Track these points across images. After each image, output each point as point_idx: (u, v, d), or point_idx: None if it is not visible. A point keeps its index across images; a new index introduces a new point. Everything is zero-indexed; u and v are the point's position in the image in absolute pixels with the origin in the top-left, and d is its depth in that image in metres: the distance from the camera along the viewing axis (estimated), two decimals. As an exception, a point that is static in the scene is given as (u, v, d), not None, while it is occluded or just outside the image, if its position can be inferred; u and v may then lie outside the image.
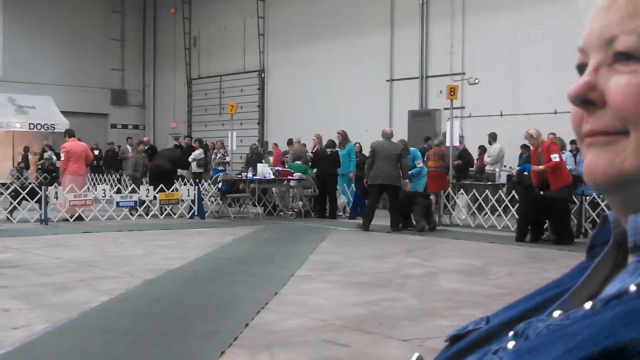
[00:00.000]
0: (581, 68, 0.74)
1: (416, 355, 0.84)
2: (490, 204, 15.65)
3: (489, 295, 8.09)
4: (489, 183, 17.05)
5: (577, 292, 0.74)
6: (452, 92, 16.50)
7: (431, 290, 8.45)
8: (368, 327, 6.40)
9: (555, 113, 18.76)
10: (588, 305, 0.67)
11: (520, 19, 20.88)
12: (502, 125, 20.19)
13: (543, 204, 13.07)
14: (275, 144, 24.89)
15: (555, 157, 13.02)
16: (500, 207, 15.42)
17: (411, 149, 16.62)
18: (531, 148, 13.92)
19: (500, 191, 15.67)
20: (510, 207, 15.12)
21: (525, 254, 11.89)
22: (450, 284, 8.88)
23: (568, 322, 0.66)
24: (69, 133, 17.56)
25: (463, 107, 21.31)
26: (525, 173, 14.99)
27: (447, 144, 17.16)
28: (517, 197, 14.78)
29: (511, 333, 0.73)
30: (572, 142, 17.23)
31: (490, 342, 0.76)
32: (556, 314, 0.72)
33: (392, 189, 14.91)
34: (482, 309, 7.20)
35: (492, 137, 18.89)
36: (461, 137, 19.45)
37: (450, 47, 22.68)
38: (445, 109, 20.16)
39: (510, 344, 0.70)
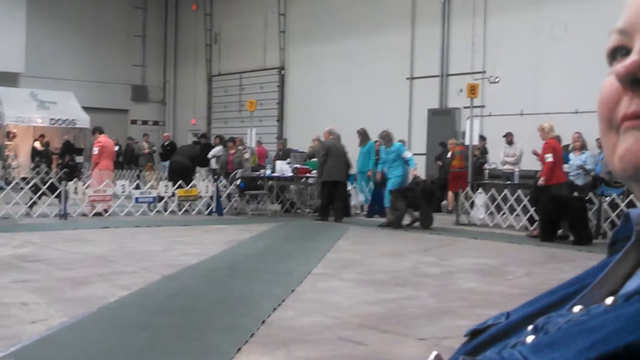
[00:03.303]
0: (615, 52, 0.72)
1: (434, 354, 0.83)
2: (508, 204, 15.58)
3: (507, 295, 8.05)
4: (508, 182, 16.96)
5: (597, 287, 0.73)
6: (472, 90, 16.43)
7: (448, 290, 8.42)
8: (384, 325, 6.39)
9: (577, 112, 18.65)
10: (609, 300, 0.66)
11: (543, 17, 20.76)
12: (522, 125, 20.08)
13: (560, 203, 13.17)
14: (259, 141, 24.79)
15: (548, 157, 13.48)
16: (519, 206, 15.33)
17: (396, 144, 16.37)
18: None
19: (519, 190, 15.57)
20: (529, 207, 15.05)
21: (543, 254, 11.83)
22: (467, 283, 8.85)
23: (589, 317, 0.66)
24: (99, 130, 17.71)
25: (483, 106, 21.20)
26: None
27: (467, 142, 17.11)
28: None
29: (530, 327, 0.72)
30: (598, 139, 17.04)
31: (509, 336, 0.76)
32: (576, 309, 0.71)
33: (343, 185, 16.56)
34: (499, 308, 7.11)
35: (509, 137, 18.74)
36: (482, 136, 19.39)
37: (471, 45, 22.58)
38: (465, 107, 20.09)
39: (530, 338, 0.70)
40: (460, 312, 7.07)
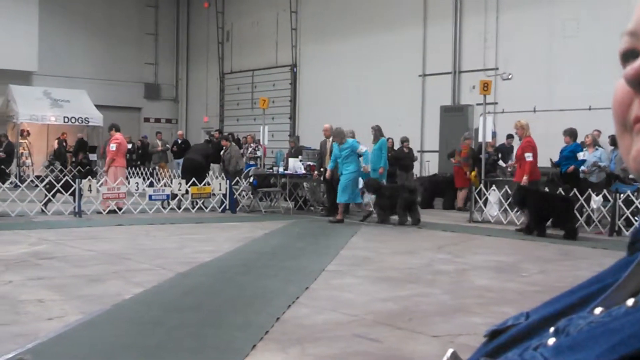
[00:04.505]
0: (627, 54, 0.72)
1: (450, 351, 0.84)
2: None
3: (521, 292, 8.04)
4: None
5: (619, 289, 0.73)
6: (485, 87, 16.37)
7: (462, 287, 8.41)
8: (399, 322, 6.39)
9: (590, 109, 18.56)
10: (630, 302, 0.67)
11: (555, 14, 20.66)
12: (535, 121, 19.97)
13: (547, 201, 13.69)
14: (250, 137, 24.83)
15: (529, 157, 14.08)
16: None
17: (349, 140, 16.29)
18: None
19: (546, 188, 15.50)
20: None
21: (558, 251, 11.79)
22: (481, 280, 8.84)
23: (610, 319, 0.66)
24: (116, 127, 17.80)
25: (496, 103, 21.13)
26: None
27: (480, 139, 17.05)
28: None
29: (552, 329, 0.73)
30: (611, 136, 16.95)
31: (530, 338, 0.76)
32: (598, 310, 0.72)
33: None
34: (513, 306, 7.16)
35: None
36: (494, 133, 19.31)
37: (483, 42, 22.51)
38: (478, 104, 20.02)
39: (551, 341, 0.70)
40: (475, 309, 7.07)
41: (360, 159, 16.15)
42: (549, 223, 13.80)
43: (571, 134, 15.76)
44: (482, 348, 0.83)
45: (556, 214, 13.56)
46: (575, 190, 14.60)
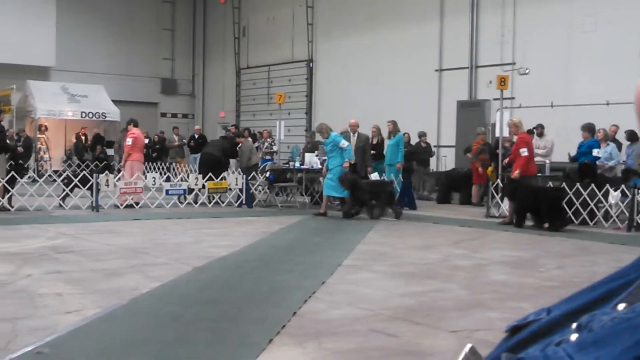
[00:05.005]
0: None
1: (469, 346, 0.84)
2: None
3: (538, 287, 8.00)
4: (539, 175, 16.81)
5: None
6: (502, 82, 16.30)
7: (479, 282, 8.39)
8: (416, 317, 6.38)
9: (608, 104, 18.43)
10: None
11: (573, 9, 20.53)
12: (552, 116, 19.90)
13: (537, 194, 13.98)
14: (265, 132, 24.92)
15: (524, 152, 14.33)
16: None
17: (332, 134, 16.35)
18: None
19: (550, 183, 15.46)
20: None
21: (575, 246, 11.74)
22: (498, 275, 8.81)
23: (634, 315, 0.66)
24: (134, 122, 17.87)
25: (513, 98, 21.04)
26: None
27: (497, 134, 16.98)
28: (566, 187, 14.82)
29: (574, 325, 0.72)
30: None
31: (552, 334, 0.76)
32: (621, 306, 0.71)
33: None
34: (531, 301, 7.13)
35: (539, 129, 18.57)
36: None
37: (500, 36, 22.40)
38: (495, 99, 19.93)
39: (574, 336, 0.70)
40: (492, 304, 7.05)
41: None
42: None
43: (589, 129, 15.68)
44: (502, 343, 0.83)
45: (545, 207, 13.79)
46: (593, 185, 14.53)
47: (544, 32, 21.18)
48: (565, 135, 18.31)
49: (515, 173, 14.42)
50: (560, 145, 18.03)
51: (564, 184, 14.95)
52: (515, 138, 15.40)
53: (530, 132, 18.35)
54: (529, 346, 0.77)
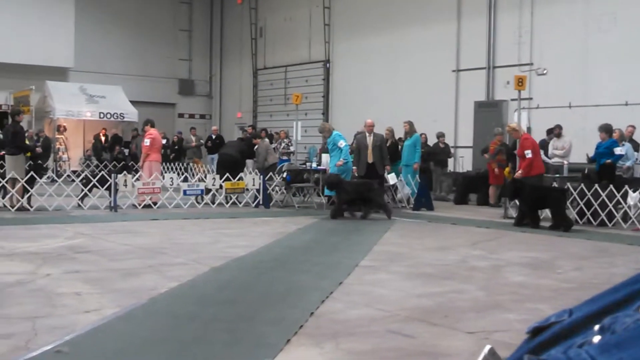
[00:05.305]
0: None
1: (488, 347, 0.84)
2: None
3: (556, 289, 7.97)
4: (557, 175, 16.74)
5: None
6: (520, 82, 16.24)
7: (497, 283, 8.36)
8: (433, 318, 6.37)
9: (627, 104, 18.32)
10: None
11: (591, 8, 20.41)
12: (570, 117, 19.79)
13: (541, 193, 14.09)
14: (282, 132, 25.04)
15: (528, 153, 14.52)
16: (568, 199, 15.13)
17: (334, 132, 16.55)
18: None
19: (568, 183, 15.38)
20: (578, 200, 14.89)
21: (593, 247, 11.67)
22: (516, 277, 8.78)
23: None
24: (151, 123, 17.96)
25: (531, 98, 20.95)
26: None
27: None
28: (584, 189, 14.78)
29: (597, 327, 0.72)
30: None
31: (574, 335, 0.76)
32: None
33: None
34: (549, 303, 7.10)
35: (557, 129, 18.47)
36: (529, 128, 19.15)
37: (518, 37, 22.30)
38: (512, 99, 19.86)
39: (597, 338, 0.70)
40: (510, 306, 7.02)
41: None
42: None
43: (606, 129, 15.59)
44: (524, 345, 0.83)
45: (550, 206, 13.99)
46: (611, 186, 14.45)
47: (562, 31, 21.07)
48: (584, 136, 18.22)
49: (518, 173, 14.54)
50: (578, 146, 17.94)
51: (581, 185, 14.89)
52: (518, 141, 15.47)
53: (550, 131, 18.30)
54: (551, 348, 0.77)
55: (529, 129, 19.30)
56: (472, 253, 10.73)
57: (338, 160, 16.29)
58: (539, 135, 19.43)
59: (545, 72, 19.23)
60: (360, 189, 15.60)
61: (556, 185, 15.32)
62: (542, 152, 18.48)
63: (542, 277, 8.79)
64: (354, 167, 17.17)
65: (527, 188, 14.10)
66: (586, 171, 15.90)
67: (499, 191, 17.98)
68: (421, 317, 6.42)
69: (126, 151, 28.16)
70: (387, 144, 18.52)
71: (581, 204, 14.85)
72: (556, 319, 0.81)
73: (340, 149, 16.26)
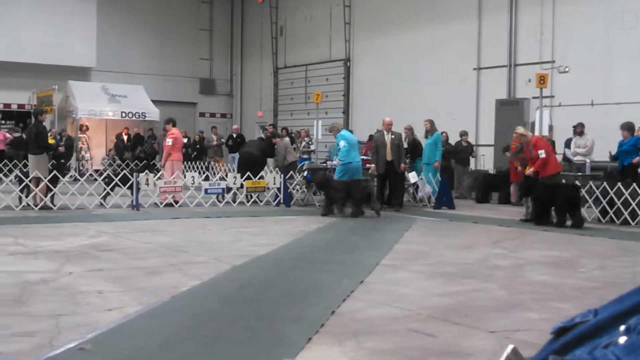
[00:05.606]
0: None
1: (510, 347, 0.83)
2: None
3: (579, 288, 7.91)
4: (579, 174, 16.62)
5: None
6: (541, 80, 16.14)
7: (519, 282, 8.32)
8: (454, 317, 6.35)
9: (650, 102, 18.15)
10: None
11: (613, 5, 20.23)
12: (592, 115, 19.63)
13: (553, 190, 14.03)
14: (303, 131, 24.98)
15: (541, 153, 14.29)
16: (590, 198, 15.03)
17: (340, 132, 16.63)
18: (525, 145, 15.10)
19: (590, 182, 15.27)
20: (601, 199, 14.78)
21: (616, 246, 11.58)
22: (538, 276, 8.73)
23: None
24: (173, 122, 18.03)
25: (552, 96, 20.81)
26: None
27: (536, 133, 16.79)
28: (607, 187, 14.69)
29: (622, 327, 0.72)
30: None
31: (599, 336, 0.75)
32: None
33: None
34: (571, 302, 7.06)
35: (579, 128, 18.32)
36: (550, 127, 19.02)
37: (540, 34, 22.16)
38: (534, 97, 19.74)
39: (622, 339, 0.69)
40: (532, 305, 6.98)
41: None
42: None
43: (629, 127, 15.47)
44: (548, 345, 0.82)
45: (560, 203, 13.91)
46: (634, 184, 14.33)
47: (584, 29, 20.91)
48: (606, 134, 18.05)
49: (530, 170, 14.48)
50: (601, 144, 17.80)
51: (604, 183, 14.78)
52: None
53: (577, 128, 18.18)
54: (576, 348, 0.76)
55: (550, 127, 19.17)
56: (493, 252, 10.69)
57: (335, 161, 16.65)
58: (561, 134, 19.33)
59: (567, 69, 19.07)
60: (348, 188, 15.64)
61: (572, 183, 15.22)
62: (567, 150, 18.42)
63: (564, 276, 8.74)
64: (372, 165, 17.18)
65: (539, 186, 14.10)
66: (608, 169, 15.77)
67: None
68: (442, 316, 6.40)
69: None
70: (407, 142, 18.51)
71: (604, 202, 14.74)
72: (581, 319, 0.80)
73: (340, 149, 16.38)
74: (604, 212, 14.85)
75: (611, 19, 20.29)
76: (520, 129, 15.28)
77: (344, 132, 16.81)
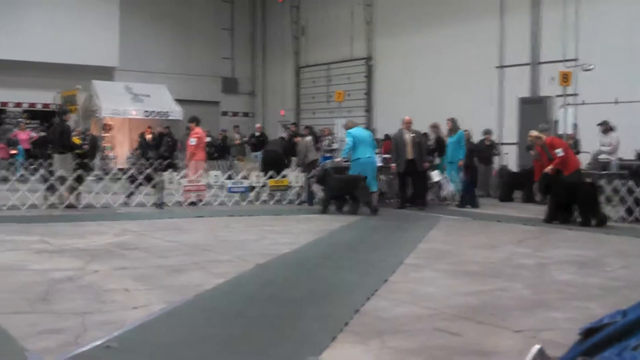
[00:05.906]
0: None
1: (537, 347, 0.84)
2: (605, 194, 15.17)
3: (605, 287, 7.85)
4: (604, 172, 16.49)
5: None
6: (565, 78, 16.04)
7: (544, 281, 8.28)
8: (479, 316, 6.34)
9: (675, 100, 17.97)
10: None
11: (637, 3, 20.05)
12: (617, 113, 19.45)
13: (572, 188, 13.95)
14: (326, 129, 25.06)
15: (559, 152, 14.28)
16: (616, 197, 14.91)
17: (349, 130, 16.66)
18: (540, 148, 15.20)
19: (616, 180, 15.15)
20: (626, 198, 14.65)
21: (642, 245, 11.48)
22: (563, 275, 8.67)
23: None
24: (197, 121, 18.10)
25: (576, 94, 20.65)
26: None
27: (560, 131, 16.71)
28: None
29: None
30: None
31: (628, 337, 0.75)
32: None
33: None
34: (597, 301, 7.02)
35: (604, 126, 18.17)
36: (575, 125, 18.91)
37: (563, 32, 22.00)
38: (557, 96, 19.62)
39: None
40: (557, 304, 6.94)
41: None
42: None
43: (654, 125, 15.35)
44: (576, 346, 0.82)
45: (580, 201, 13.90)
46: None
47: (608, 26, 20.73)
48: (631, 133, 17.89)
49: (548, 168, 14.39)
50: (626, 142, 17.65)
51: (629, 182, 14.66)
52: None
53: (603, 124, 18.05)
54: (604, 349, 0.76)
55: (575, 125, 19.06)
56: (517, 251, 10.64)
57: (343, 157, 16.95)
58: (585, 132, 19.19)
59: (591, 67, 18.91)
60: (345, 185, 15.68)
61: (590, 181, 15.18)
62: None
63: (589, 275, 8.68)
64: (393, 165, 17.17)
65: (558, 183, 14.05)
66: (635, 168, 15.64)
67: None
68: (467, 315, 6.39)
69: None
70: (432, 140, 18.47)
71: (629, 201, 14.62)
72: (609, 320, 0.80)
73: (345, 147, 16.63)
74: (629, 211, 14.73)
75: (634, 17, 20.11)
76: (534, 132, 15.26)
77: (353, 130, 16.79)
